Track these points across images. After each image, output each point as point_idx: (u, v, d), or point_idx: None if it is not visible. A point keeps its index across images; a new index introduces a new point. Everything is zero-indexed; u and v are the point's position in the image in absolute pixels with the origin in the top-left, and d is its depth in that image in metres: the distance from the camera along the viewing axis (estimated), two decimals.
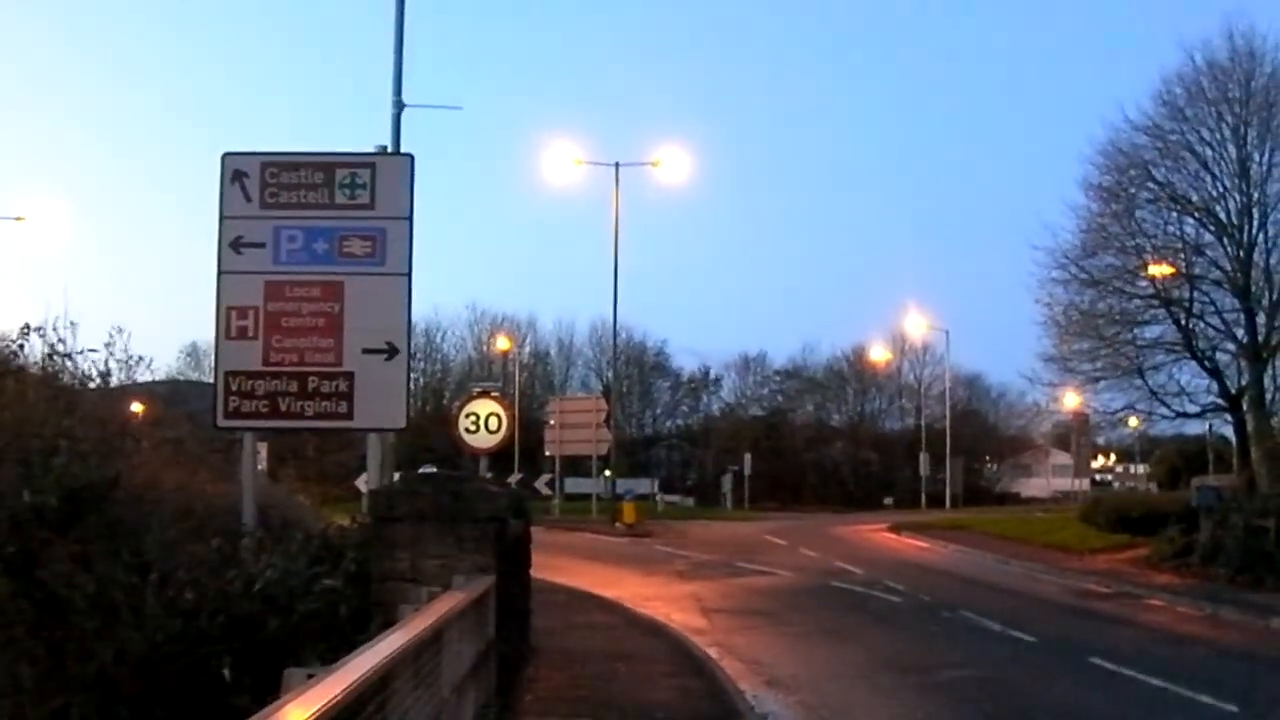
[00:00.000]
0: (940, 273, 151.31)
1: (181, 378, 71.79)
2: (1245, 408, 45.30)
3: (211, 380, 17.39)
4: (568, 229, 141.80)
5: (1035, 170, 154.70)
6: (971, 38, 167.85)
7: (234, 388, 16.31)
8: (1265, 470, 43.18)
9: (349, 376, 16.31)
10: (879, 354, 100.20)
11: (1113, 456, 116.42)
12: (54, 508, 12.04)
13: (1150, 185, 46.19)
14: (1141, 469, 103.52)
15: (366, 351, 16.28)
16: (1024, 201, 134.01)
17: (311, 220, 16.48)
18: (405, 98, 26.21)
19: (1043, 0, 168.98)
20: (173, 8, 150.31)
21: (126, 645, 11.03)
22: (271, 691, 5.92)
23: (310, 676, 5.74)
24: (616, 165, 60.39)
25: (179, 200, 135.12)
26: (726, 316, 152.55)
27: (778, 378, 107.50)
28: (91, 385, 17.07)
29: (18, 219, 52.53)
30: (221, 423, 16.60)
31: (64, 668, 10.81)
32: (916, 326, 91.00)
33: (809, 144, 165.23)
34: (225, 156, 16.73)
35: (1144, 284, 46.17)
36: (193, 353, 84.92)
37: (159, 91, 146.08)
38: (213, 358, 17.62)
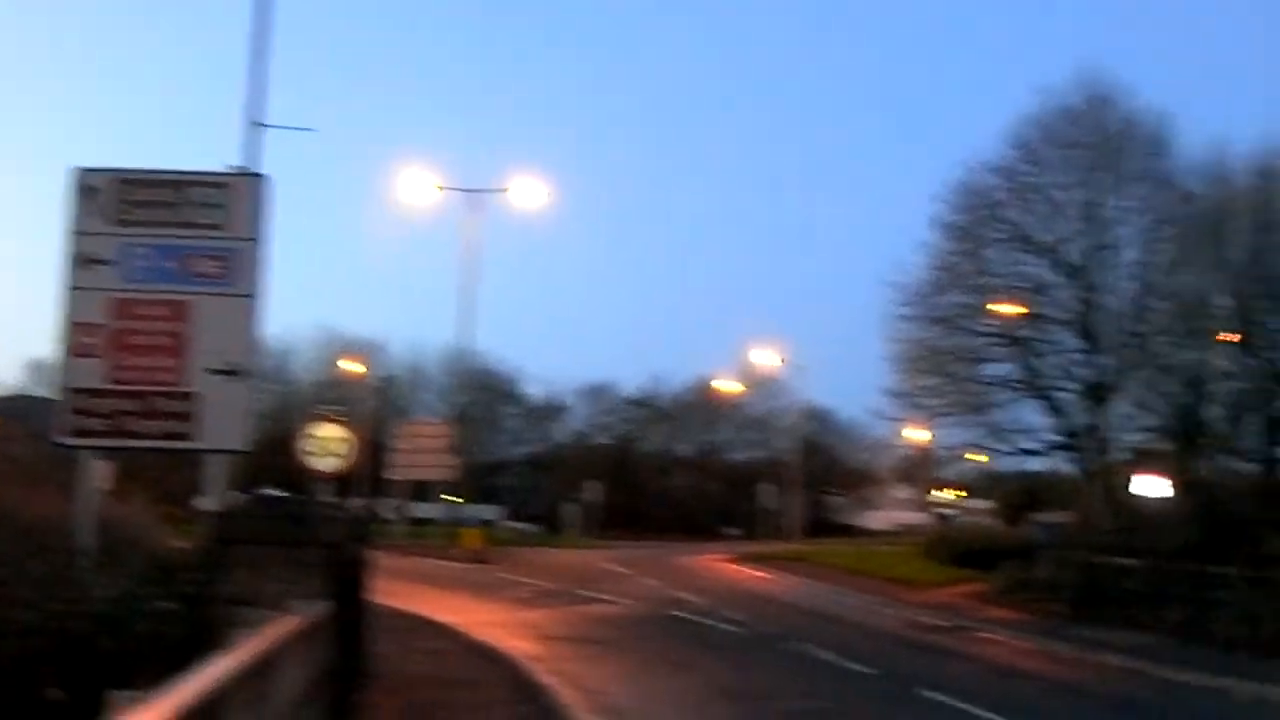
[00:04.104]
0: (791, 307, 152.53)
1: (26, 393, 70.39)
2: (1085, 446, 46.18)
3: (52, 398, 17.23)
4: (423, 254, 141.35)
5: (890, 208, 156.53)
6: (830, 77, 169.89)
7: (76, 405, 16.17)
8: (1103, 507, 44.06)
9: (193, 397, 16.21)
10: (728, 386, 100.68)
11: (956, 491, 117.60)
12: None
13: (1000, 225, 46.97)
14: (984, 504, 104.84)
15: (212, 372, 16.19)
16: (877, 238, 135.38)
17: (162, 238, 16.40)
18: (262, 118, 26.07)
19: (906, 41, 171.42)
20: (18, 12, 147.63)
21: None
22: (98, 716, 5.93)
23: (137, 699, 5.78)
24: (472, 191, 60.33)
25: (26, 213, 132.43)
26: (578, 345, 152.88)
27: (627, 407, 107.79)
28: None
29: None
30: (62, 440, 16.45)
31: None
32: (766, 359, 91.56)
33: (663, 177, 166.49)
34: (76, 171, 16.60)
35: (990, 322, 46.87)
36: (38, 368, 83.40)
37: (3, 103, 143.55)
38: (53, 375, 17.44)
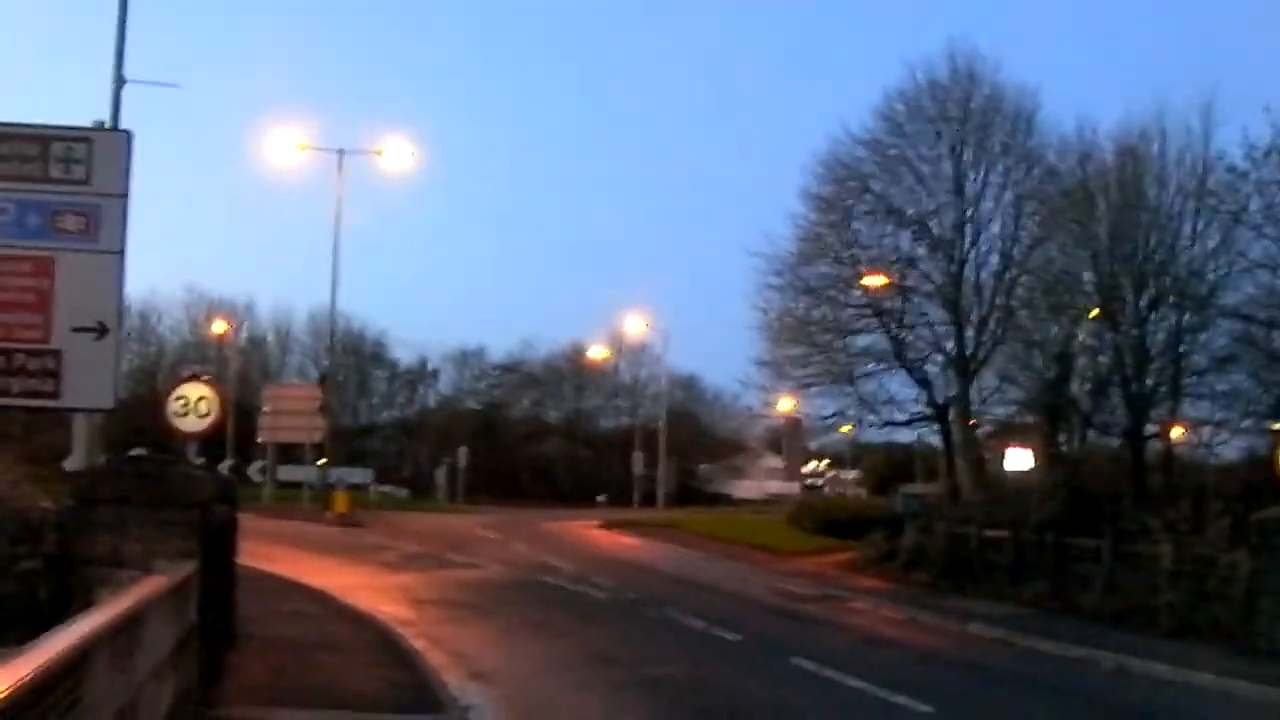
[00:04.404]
0: (661, 274, 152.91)
1: None
2: (951, 418, 46.63)
3: None
4: (291, 215, 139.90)
5: (761, 178, 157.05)
6: (706, 44, 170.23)
7: None
8: (968, 479, 44.58)
9: (57, 355, 15.94)
10: (597, 352, 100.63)
11: (824, 461, 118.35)
12: None
13: (868, 197, 47.20)
14: (852, 474, 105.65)
15: (76, 330, 15.92)
16: (747, 208, 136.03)
17: (24, 193, 16.09)
18: (129, 74, 25.70)
19: (784, 8, 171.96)
20: None
21: None
22: None
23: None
24: (340, 152, 59.70)
25: None
26: (447, 309, 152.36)
27: (496, 372, 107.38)
28: None
29: None
30: None
31: None
32: (635, 326, 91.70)
33: (537, 142, 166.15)
34: None
35: (858, 294, 47.03)
36: None
37: None
38: None
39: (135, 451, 19.42)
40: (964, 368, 45.68)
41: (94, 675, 6.51)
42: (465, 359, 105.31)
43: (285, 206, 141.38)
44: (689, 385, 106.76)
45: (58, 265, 15.99)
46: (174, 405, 25.53)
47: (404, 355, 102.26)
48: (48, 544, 12.95)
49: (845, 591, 34.12)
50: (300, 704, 15.00)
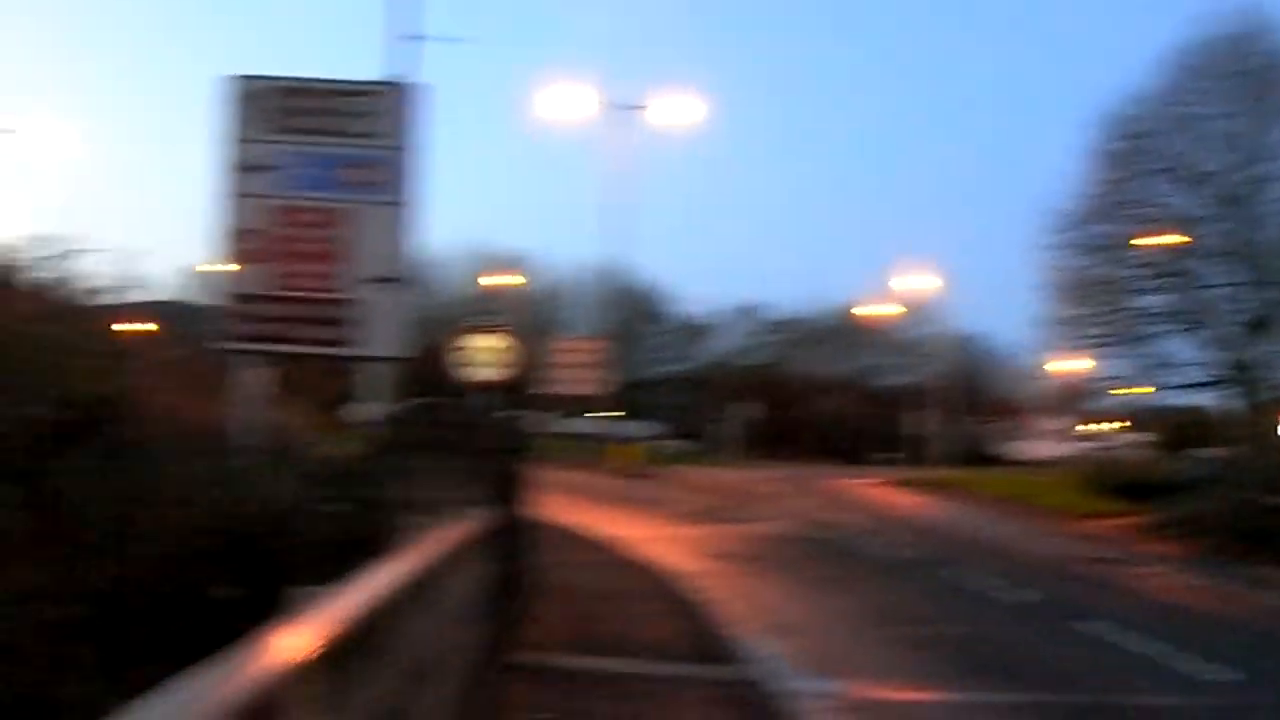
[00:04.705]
0: (946, 231, 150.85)
1: (182, 299, 71.10)
2: (1245, 379, 45.21)
3: (213, 303, 17.34)
4: (575, 169, 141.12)
5: (1049, 135, 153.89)
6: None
7: (235, 311, 16.22)
8: (1264, 442, 43.18)
9: (350, 304, 16.23)
10: (880, 309, 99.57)
11: (1109, 423, 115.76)
12: (66, 420, 11.92)
13: (1156, 155, 46.01)
14: (1141, 436, 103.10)
15: (368, 280, 16.18)
16: (1033, 166, 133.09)
17: (318, 147, 16.38)
18: (418, 29, 25.89)
19: None
20: None
21: (130, 559, 10.91)
22: (273, 613, 5.76)
23: (312, 599, 5.64)
24: (625, 108, 59.73)
25: (179, 121, 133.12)
26: (731, 264, 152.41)
27: (776, 328, 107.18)
28: (92, 302, 16.88)
29: (5, 131, 50.63)
30: (222, 345, 16.52)
31: (72, 577, 10.67)
32: (918, 284, 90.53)
33: (826, 101, 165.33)
34: (234, 80, 16.62)
35: (1146, 252, 45.92)
36: (192, 275, 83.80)
37: (161, 10, 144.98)
38: (214, 281, 17.55)
39: (427, 400, 19.65)
40: (1258, 328, 44.21)
41: (403, 618, 6.49)
42: (746, 314, 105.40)
43: (573, 160, 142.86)
44: (973, 343, 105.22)
45: (345, 217, 16.30)
46: (465, 356, 25.87)
47: (689, 309, 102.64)
48: (353, 489, 13.10)
49: (1136, 555, 33.32)
50: (593, 652, 15.01)
